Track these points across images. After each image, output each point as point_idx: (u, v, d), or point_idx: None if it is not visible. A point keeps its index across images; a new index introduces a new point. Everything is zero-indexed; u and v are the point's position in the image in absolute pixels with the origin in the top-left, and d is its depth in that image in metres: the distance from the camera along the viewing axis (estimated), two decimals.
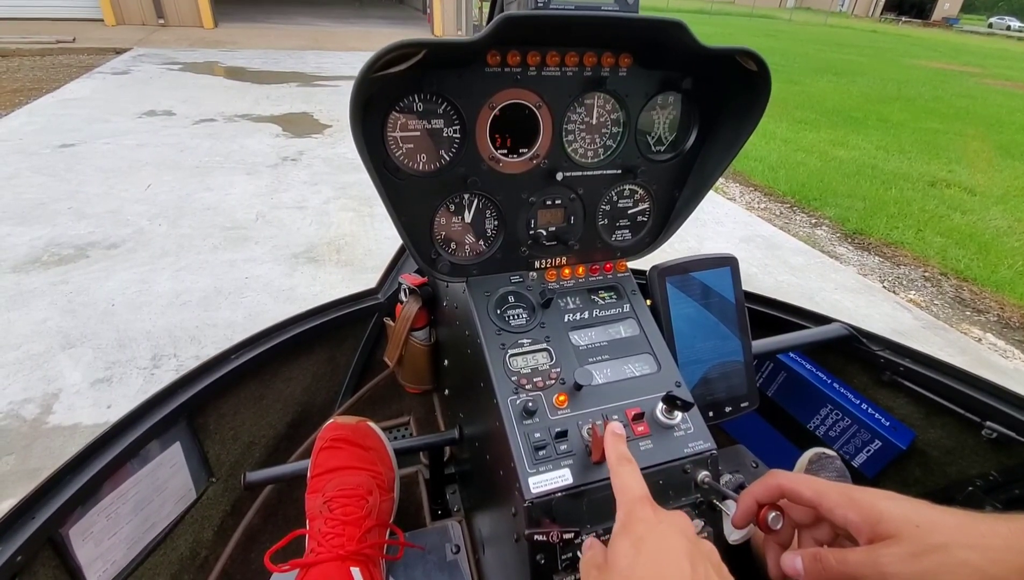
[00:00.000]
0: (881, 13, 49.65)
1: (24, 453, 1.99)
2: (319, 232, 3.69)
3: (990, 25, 49.19)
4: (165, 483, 0.95)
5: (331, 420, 0.92)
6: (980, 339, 3.39)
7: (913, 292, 3.87)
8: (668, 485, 0.70)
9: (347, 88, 7.21)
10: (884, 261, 4.32)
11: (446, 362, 1.14)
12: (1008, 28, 46.61)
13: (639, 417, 0.72)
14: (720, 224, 4.53)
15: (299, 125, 5.74)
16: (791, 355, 1.29)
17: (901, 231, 4.72)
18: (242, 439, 1.15)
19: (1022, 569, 0.43)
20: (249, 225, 3.71)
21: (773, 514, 0.56)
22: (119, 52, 8.31)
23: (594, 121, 0.81)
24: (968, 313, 3.69)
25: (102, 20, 9.99)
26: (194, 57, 8.39)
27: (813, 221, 4.93)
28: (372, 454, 0.89)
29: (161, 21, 10.37)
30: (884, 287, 3.88)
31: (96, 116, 5.52)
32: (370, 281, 1.34)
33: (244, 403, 1.14)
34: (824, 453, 1.07)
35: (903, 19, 47.10)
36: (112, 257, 3.23)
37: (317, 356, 1.29)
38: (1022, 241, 4.64)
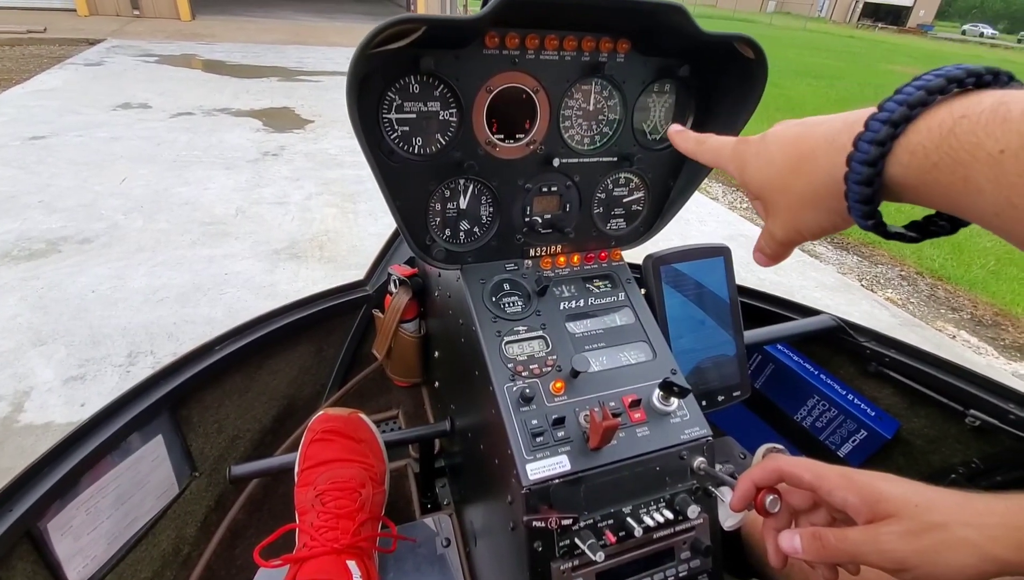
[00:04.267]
0: (858, 19, 50.76)
1: None
2: (301, 228, 3.62)
3: (963, 32, 50.71)
4: (146, 477, 0.92)
5: (321, 411, 0.90)
6: (955, 336, 3.48)
7: (890, 290, 3.96)
8: (665, 471, 0.70)
9: (329, 83, 7.04)
10: (862, 260, 4.41)
11: (437, 354, 1.13)
12: (981, 35, 48.13)
13: (636, 403, 0.72)
14: (704, 223, 4.57)
15: (280, 120, 5.64)
16: (779, 347, 1.30)
17: None
18: (226, 432, 1.12)
19: (1019, 545, 0.43)
20: (228, 220, 3.62)
21: (771, 497, 0.56)
22: (92, 43, 8.05)
23: (591, 107, 0.80)
24: (943, 311, 3.79)
25: (75, 10, 9.67)
26: (171, 50, 8.17)
27: None
28: (364, 446, 0.88)
29: (136, 12, 10.09)
30: (863, 285, 3.96)
31: (68, 108, 5.34)
32: (353, 279, 1.31)
33: (228, 395, 1.11)
34: (775, 447, 1.08)
35: (879, 25, 48.18)
36: (85, 252, 3.12)
37: (304, 348, 1.26)
38: (994, 242, 4.77)
